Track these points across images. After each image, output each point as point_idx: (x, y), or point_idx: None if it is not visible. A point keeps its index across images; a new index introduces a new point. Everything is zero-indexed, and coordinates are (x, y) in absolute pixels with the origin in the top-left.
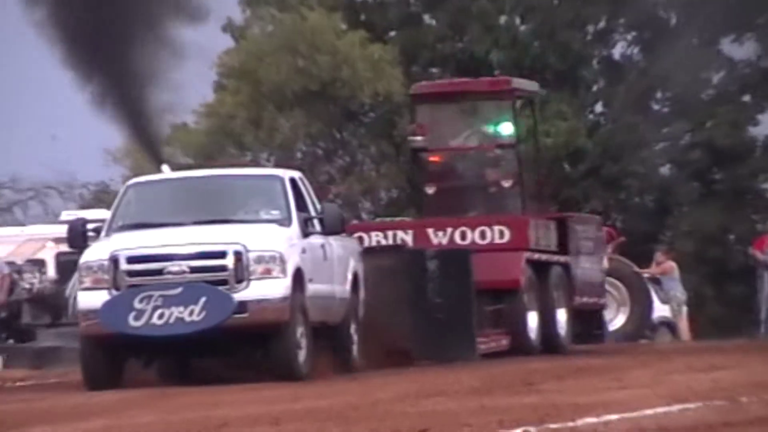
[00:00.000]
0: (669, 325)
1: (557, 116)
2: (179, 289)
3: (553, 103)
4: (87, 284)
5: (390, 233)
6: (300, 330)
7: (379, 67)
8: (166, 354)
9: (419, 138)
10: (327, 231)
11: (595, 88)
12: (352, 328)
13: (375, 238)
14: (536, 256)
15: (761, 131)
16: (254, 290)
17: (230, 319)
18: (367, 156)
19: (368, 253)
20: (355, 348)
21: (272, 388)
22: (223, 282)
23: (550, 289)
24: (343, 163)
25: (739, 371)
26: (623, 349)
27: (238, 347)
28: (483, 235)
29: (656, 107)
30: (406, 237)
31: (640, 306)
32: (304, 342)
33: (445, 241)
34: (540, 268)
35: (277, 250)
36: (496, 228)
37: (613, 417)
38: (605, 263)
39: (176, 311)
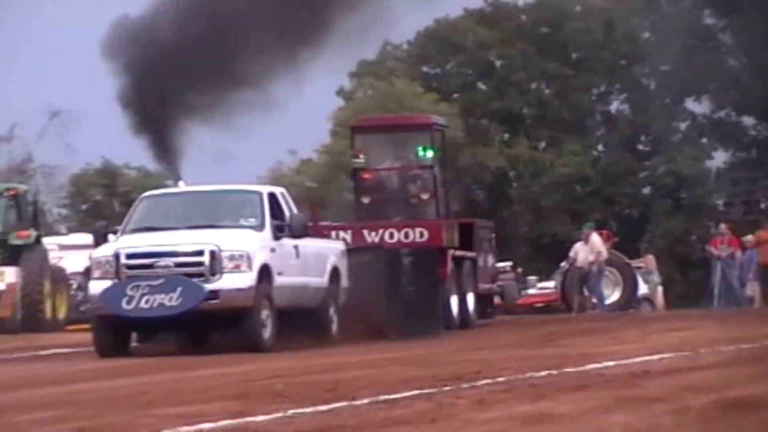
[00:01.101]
0: (649, 300)
1: (570, 153)
2: (161, 280)
3: (567, 143)
4: (96, 275)
5: (334, 233)
6: (265, 313)
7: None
8: (155, 331)
9: (359, 159)
10: (293, 234)
11: (597, 133)
12: (331, 311)
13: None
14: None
15: (714, 164)
16: (225, 281)
17: (204, 304)
18: None
19: (353, 251)
20: (334, 327)
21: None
22: (201, 275)
23: (463, 278)
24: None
25: (699, 332)
26: (617, 317)
27: (213, 325)
28: (407, 236)
29: (640, 147)
30: (346, 236)
31: (629, 286)
32: (269, 322)
33: (377, 239)
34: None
35: (245, 249)
36: (417, 230)
37: (611, 363)
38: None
39: (159, 297)
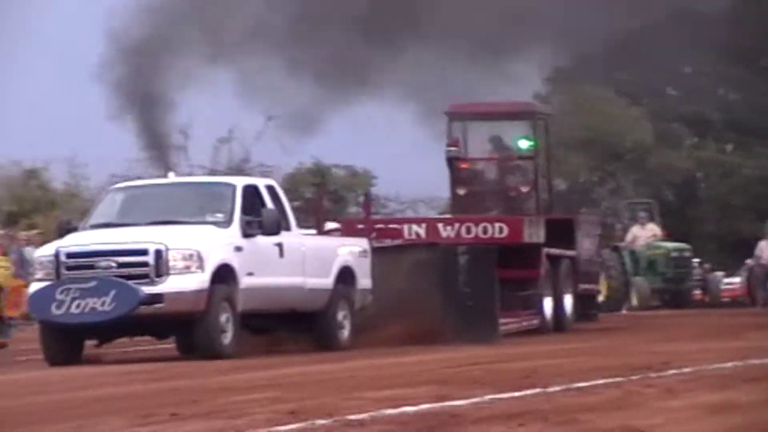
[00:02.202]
0: None
1: (759, 156)
2: (93, 283)
3: (755, 146)
4: (38, 276)
5: (406, 227)
6: (225, 316)
7: (637, 124)
8: (91, 338)
9: (453, 149)
10: (265, 232)
11: None
12: (341, 315)
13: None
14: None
15: None
16: (171, 283)
17: (144, 308)
18: (626, 182)
19: (405, 248)
20: (345, 332)
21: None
22: (145, 276)
23: (560, 278)
24: (610, 186)
25: None
26: None
27: (160, 331)
28: (485, 231)
29: None
30: (420, 230)
31: None
32: (230, 326)
33: (452, 235)
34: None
35: (195, 248)
36: (497, 225)
37: None
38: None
39: (90, 302)
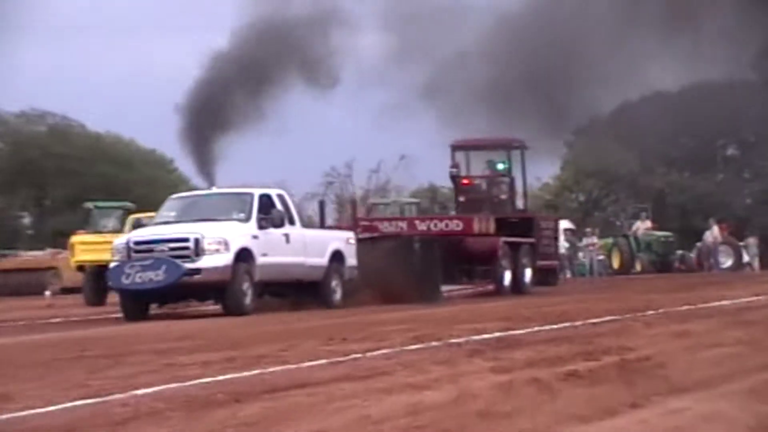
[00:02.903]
0: (750, 265)
1: None
2: (150, 261)
3: None
4: (116, 257)
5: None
6: (245, 285)
7: (627, 160)
8: (153, 300)
9: (454, 170)
10: (273, 225)
11: None
12: (334, 283)
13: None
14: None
15: None
16: (206, 261)
17: (187, 278)
18: (622, 196)
19: (377, 239)
20: (336, 296)
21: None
22: (188, 256)
23: (520, 257)
24: (611, 198)
25: None
26: (730, 275)
27: (201, 294)
28: (447, 225)
29: None
30: (403, 225)
31: (737, 257)
32: (249, 292)
33: (425, 228)
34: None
35: (223, 237)
36: (455, 221)
37: (726, 302)
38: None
39: (148, 274)
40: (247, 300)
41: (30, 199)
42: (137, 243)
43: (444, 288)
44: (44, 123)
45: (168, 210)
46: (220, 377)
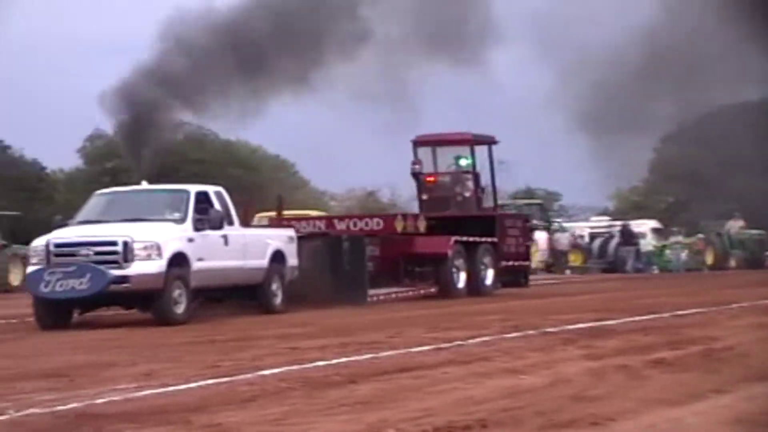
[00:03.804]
0: None
1: None
2: (73, 267)
3: None
4: (33, 261)
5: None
6: (178, 292)
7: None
8: (75, 309)
9: (416, 167)
10: (211, 227)
11: None
12: (274, 286)
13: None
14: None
15: None
16: (136, 268)
17: (114, 287)
18: None
19: (307, 237)
20: (277, 299)
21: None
22: (116, 262)
23: (478, 257)
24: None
25: None
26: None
27: (129, 303)
28: (367, 224)
29: None
30: (321, 225)
31: None
32: (183, 299)
33: (345, 227)
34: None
35: (155, 240)
36: (375, 220)
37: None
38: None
39: (71, 282)
40: (180, 309)
41: None
42: (58, 246)
43: (384, 290)
44: (181, 132)
45: (93, 207)
46: (335, 360)
